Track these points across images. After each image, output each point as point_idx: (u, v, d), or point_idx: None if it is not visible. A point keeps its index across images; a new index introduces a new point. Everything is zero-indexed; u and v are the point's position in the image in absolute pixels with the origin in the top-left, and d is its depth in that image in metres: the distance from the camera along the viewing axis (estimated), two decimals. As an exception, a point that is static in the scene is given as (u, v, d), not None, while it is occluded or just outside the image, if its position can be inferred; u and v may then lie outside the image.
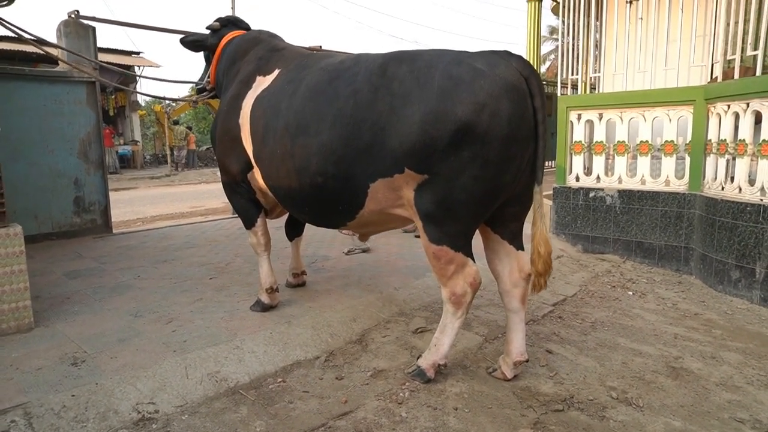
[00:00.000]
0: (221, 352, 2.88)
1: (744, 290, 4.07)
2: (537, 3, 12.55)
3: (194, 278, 4.27)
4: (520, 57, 2.47)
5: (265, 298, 3.44)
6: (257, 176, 3.23)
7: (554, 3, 10.35)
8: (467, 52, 2.53)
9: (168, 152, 19.33)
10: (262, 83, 3.18)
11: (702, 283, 4.55)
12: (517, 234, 2.78)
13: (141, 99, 21.74)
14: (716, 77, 5.14)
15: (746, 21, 4.13)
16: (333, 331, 3.30)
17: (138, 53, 19.44)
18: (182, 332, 3.10)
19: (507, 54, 2.48)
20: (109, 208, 6.25)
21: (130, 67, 18.51)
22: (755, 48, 4.05)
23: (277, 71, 3.17)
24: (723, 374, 2.92)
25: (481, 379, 2.83)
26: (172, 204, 10.83)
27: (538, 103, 2.42)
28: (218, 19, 3.78)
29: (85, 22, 5.94)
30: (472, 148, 2.34)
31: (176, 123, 21.63)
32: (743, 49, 4.19)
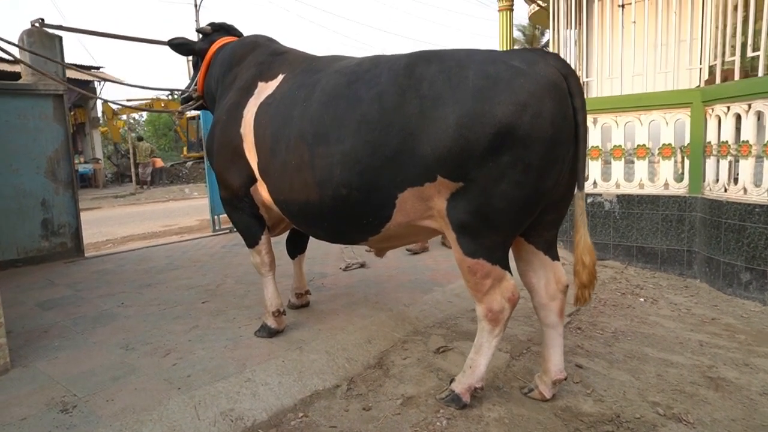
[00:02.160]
0: (232, 386, 2.58)
1: (756, 292, 4.02)
2: (508, 12, 12.69)
3: (185, 303, 3.93)
4: (557, 55, 2.32)
5: (271, 323, 3.16)
6: (261, 190, 2.97)
7: (536, 9, 10.39)
8: (498, 51, 2.37)
9: (132, 170, 18.59)
10: (265, 89, 2.93)
11: (709, 287, 4.49)
12: (552, 243, 2.61)
13: (102, 116, 20.83)
14: (706, 80, 5.17)
15: (745, 22, 4.14)
16: (349, 355, 3.04)
17: (98, 68, 18.73)
18: (184, 365, 2.79)
19: (543, 52, 2.33)
20: (81, 231, 5.80)
21: (90, 83, 17.84)
22: (755, 50, 4.05)
23: (281, 76, 2.93)
24: (762, 383, 2.80)
25: (518, 401, 2.62)
26: (142, 223, 10.31)
27: (579, 103, 2.27)
28: (210, 24, 3.55)
29: (51, 31, 5.54)
30: (512, 152, 2.16)
31: (140, 139, 20.97)
32: (743, 52, 4.18)
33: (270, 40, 3.31)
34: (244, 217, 3.12)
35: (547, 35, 30.57)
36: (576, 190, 2.41)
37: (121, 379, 2.65)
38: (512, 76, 2.17)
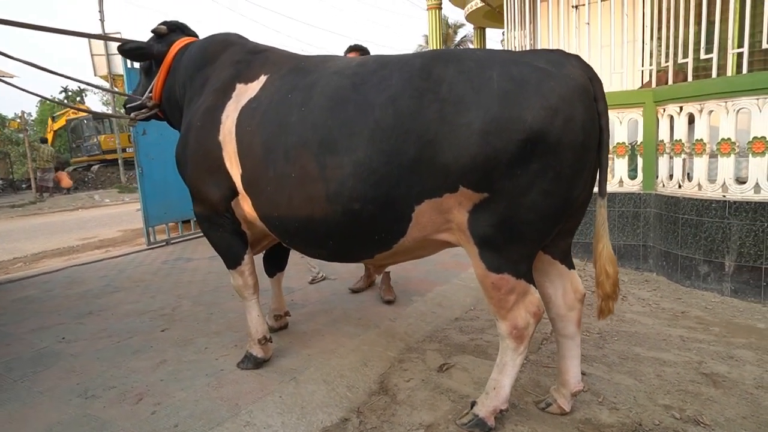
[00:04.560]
0: (231, 433, 2.24)
1: (714, 284, 4.23)
2: (437, 11, 12.84)
3: (140, 333, 3.46)
4: (578, 56, 2.21)
5: (257, 351, 2.83)
6: (244, 205, 2.63)
7: (473, 9, 10.47)
8: (517, 51, 2.23)
9: (31, 175, 16.72)
10: (245, 92, 2.59)
11: (667, 280, 4.68)
12: (568, 252, 2.52)
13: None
14: (648, 81, 5.40)
15: (698, 23, 4.32)
16: (348, 382, 2.78)
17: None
18: (166, 413, 2.40)
19: (564, 52, 2.21)
20: (-8, 252, 5.00)
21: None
22: (708, 52, 4.25)
23: (264, 77, 2.60)
24: (753, 375, 2.90)
25: (537, 418, 2.51)
26: (53, 237, 9.22)
27: (602, 107, 2.18)
28: (164, 23, 3.12)
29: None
30: (543, 159, 2.02)
31: (44, 142, 18.92)
32: (696, 52, 4.38)
33: (241, 38, 2.96)
34: (225, 236, 2.76)
35: (461, 34, 31.43)
36: (598, 198, 2.33)
37: (92, 438, 2.22)
38: (540, 78, 2.03)
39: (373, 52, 4.22)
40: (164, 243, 6.57)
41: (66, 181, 18.52)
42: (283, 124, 2.33)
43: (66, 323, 3.70)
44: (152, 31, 3.08)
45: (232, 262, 2.80)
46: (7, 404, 2.56)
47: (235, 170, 2.55)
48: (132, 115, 3.16)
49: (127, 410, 2.44)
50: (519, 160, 2.02)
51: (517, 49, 5.65)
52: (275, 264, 3.31)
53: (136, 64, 5.67)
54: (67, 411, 2.46)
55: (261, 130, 2.41)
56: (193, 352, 3.09)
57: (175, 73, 2.96)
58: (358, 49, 4.23)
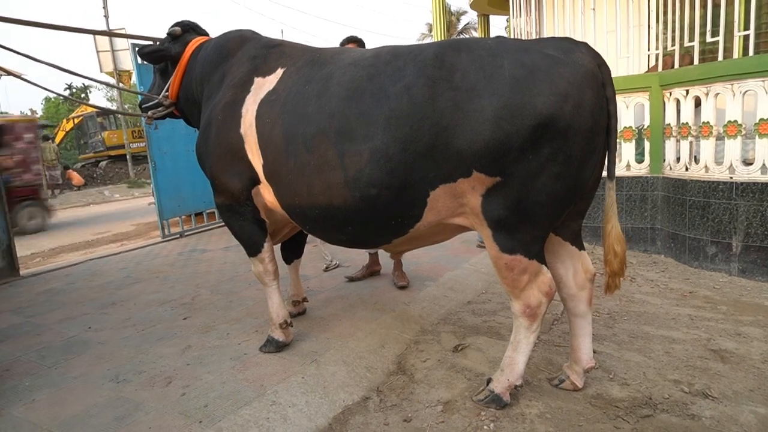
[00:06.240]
0: (258, 412, 2.36)
1: (721, 264, 4.29)
2: None
3: (163, 321, 3.58)
4: (586, 44, 2.28)
5: (278, 335, 2.94)
6: (265, 193, 2.73)
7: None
8: (527, 39, 2.30)
9: (43, 173, 16.89)
10: (263, 85, 2.68)
11: (675, 261, 4.75)
12: (578, 233, 2.60)
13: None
14: (654, 65, 5.43)
15: (703, 6, 4.35)
16: (367, 363, 2.89)
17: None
18: (195, 394, 2.51)
19: (572, 40, 2.28)
20: (14, 247, 5.15)
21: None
22: (714, 35, 4.28)
23: (281, 70, 2.69)
24: (760, 351, 2.97)
25: (551, 394, 2.61)
26: (68, 232, 9.40)
27: (610, 92, 2.25)
28: (178, 24, 3.22)
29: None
30: (553, 143, 2.10)
31: (46, 139, 19.08)
32: (702, 35, 4.41)
33: (255, 33, 3.04)
34: (246, 224, 2.86)
35: (463, 21, 31.28)
36: (607, 181, 2.41)
37: (128, 418, 2.34)
38: (550, 65, 2.11)
39: (376, 41, 4.32)
40: (178, 235, 6.69)
41: (77, 178, 18.84)
42: (301, 115, 2.42)
43: (91, 313, 3.83)
44: (167, 33, 3.18)
45: (253, 249, 2.91)
46: (44, 389, 2.69)
47: (256, 161, 2.64)
48: (149, 113, 3.25)
49: (158, 392, 2.56)
50: (530, 144, 2.09)
51: (522, 35, 5.69)
52: (293, 251, 3.41)
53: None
54: (102, 394, 2.58)
55: (280, 122, 2.50)
56: (216, 338, 3.21)
57: (191, 72, 3.06)
58: (354, 41, 4.33)
